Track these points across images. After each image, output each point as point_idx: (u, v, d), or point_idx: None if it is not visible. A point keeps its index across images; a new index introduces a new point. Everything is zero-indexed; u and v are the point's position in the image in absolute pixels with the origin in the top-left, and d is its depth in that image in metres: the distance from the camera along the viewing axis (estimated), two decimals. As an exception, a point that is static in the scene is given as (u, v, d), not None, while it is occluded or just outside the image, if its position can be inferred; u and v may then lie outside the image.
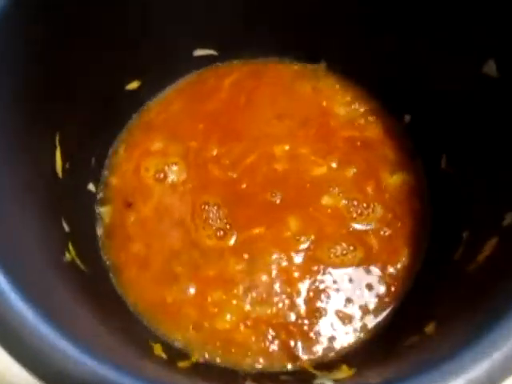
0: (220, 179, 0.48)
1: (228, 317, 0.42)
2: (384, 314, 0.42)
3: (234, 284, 0.43)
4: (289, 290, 0.43)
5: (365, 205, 0.46)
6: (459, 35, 0.38)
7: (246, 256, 0.44)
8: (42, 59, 0.36)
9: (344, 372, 0.36)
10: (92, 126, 0.46)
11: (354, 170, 0.48)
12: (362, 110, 0.52)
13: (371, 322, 0.42)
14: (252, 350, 0.41)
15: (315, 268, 0.44)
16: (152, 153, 0.50)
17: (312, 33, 0.50)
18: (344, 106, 0.52)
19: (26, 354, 0.23)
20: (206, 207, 0.46)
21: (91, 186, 0.48)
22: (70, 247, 0.39)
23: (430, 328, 0.32)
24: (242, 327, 0.42)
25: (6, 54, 0.32)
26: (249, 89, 0.53)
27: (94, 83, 0.44)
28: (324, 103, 0.52)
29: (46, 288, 0.31)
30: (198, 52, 0.52)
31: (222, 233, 0.45)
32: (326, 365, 0.39)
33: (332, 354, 0.40)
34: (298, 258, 0.44)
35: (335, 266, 0.44)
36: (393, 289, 0.43)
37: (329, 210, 0.46)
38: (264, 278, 0.44)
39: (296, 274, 0.44)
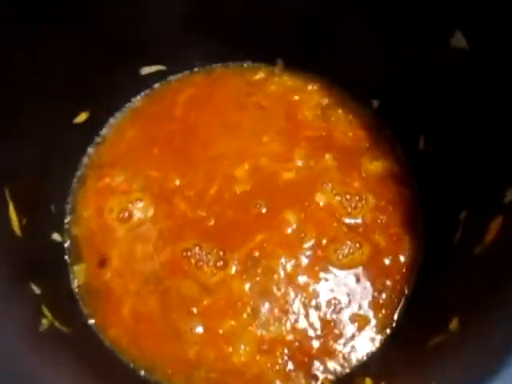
0: (190, 218, 0.44)
1: (242, 348, 0.39)
2: (398, 309, 0.40)
3: (243, 306, 0.40)
4: (300, 300, 0.40)
5: (357, 197, 0.44)
6: (423, 10, 0.36)
7: (251, 271, 0.41)
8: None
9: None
10: (44, 172, 0.42)
11: (330, 162, 0.46)
12: (326, 101, 0.49)
13: (388, 321, 0.39)
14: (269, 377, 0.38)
15: (324, 274, 0.41)
16: (113, 191, 0.46)
17: (264, 34, 0.47)
18: (307, 102, 0.50)
19: None
20: (189, 253, 0.43)
21: (56, 236, 0.43)
22: (45, 311, 0.35)
23: (453, 324, 0.30)
24: (257, 356, 0.39)
25: None
26: (202, 104, 0.49)
27: (39, 123, 0.40)
28: (285, 103, 0.50)
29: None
30: (146, 70, 0.48)
31: (221, 263, 0.42)
32: (347, 379, 0.36)
33: (351, 367, 0.38)
34: (305, 261, 0.42)
35: (344, 268, 0.41)
36: (401, 282, 0.41)
37: (322, 207, 0.44)
38: (274, 290, 0.41)
39: (304, 281, 0.41)
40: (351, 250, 0.42)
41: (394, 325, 0.39)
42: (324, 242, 0.42)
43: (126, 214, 0.45)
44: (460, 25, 0.34)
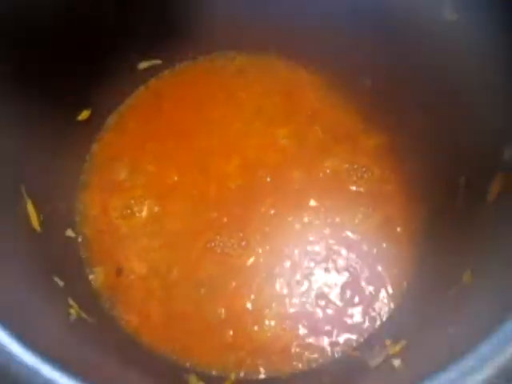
0: (201, 216, 0.45)
1: (267, 323, 0.41)
2: (411, 270, 0.42)
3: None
4: (318, 268, 0.42)
5: (364, 169, 0.46)
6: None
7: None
8: None
9: (391, 348, 0.35)
10: (53, 171, 0.42)
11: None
12: (318, 86, 0.51)
13: (402, 280, 0.42)
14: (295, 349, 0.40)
15: (338, 239, 0.43)
16: (116, 189, 0.47)
17: (257, 26, 0.48)
18: (300, 86, 0.51)
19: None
20: (213, 244, 0.44)
21: (70, 232, 0.44)
22: (72, 302, 0.36)
23: (466, 276, 0.32)
24: (281, 332, 0.40)
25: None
26: (195, 95, 0.50)
27: (44, 122, 0.40)
28: (277, 88, 0.51)
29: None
30: (143, 64, 0.49)
31: (244, 242, 0.43)
32: (368, 343, 0.38)
33: (370, 330, 0.40)
34: (318, 225, 0.44)
35: (358, 232, 0.44)
36: (411, 245, 0.43)
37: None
38: (293, 259, 0.43)
39: (320, 247, 0.43)
40: (363, 216, 0.44)
41: (406, 285, 0.41)
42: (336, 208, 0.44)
43: (129, 212, 0.45)
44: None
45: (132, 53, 0.48)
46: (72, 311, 0.35)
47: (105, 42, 0.43)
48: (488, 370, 0.22)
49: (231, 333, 0.41)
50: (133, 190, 0.46)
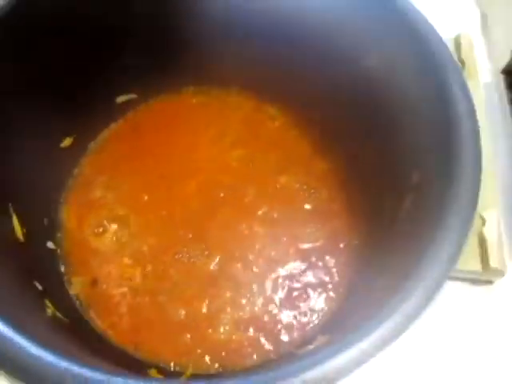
0: (169, 233, 0.51)
1: (222, 329, 0.46)
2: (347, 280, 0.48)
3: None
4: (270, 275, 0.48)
5: (312, 190, 0.53)
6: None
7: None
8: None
9: (317, 341, 0.41)
10: (37, 191, 0.48)
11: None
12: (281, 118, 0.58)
13: (336, 291, 0.48)
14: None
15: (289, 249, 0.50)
16: (93, 207, 0.53)
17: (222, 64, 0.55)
18: (259, 117, 0.58)
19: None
20: (180, 255, 0.50)
21: (50, 244, 0.50)
22: (48, 303, 0.42)
23: (379, 283, 0.38)
24: (234, 336, 0.46)
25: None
26: (166, 125, 0.57)
27: (30, 148, 0.47)
28: (238, 119, 0.58)
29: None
30: (121, 98, 0.56)
31: (207, 252, 0.49)
32: (305, 342, 0.44)
33: (308, 331, 0.46)
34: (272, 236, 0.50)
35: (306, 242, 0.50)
36: (348, 258, 0.50)
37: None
38: (246, 267, 0.49)
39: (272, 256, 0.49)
40: (312, 230, 0.51)
41: (340, 294, 0.48)
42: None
43: (102, 229, 0.51)
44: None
45: (111, 89, 0.55)
46: (48, 310, 0.41)
47: (86, 81, 0.50)
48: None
49: (189, 336, 0.46)
50: (106, 209, 0.52)
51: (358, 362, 0.26)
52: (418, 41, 0.39)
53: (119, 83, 0.54)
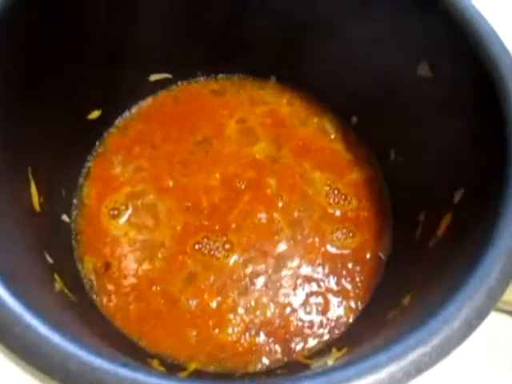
0: (192, 222, 0.49)
1: (230, 330, 0.44)
2: (368, 292, 0.46)
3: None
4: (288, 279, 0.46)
5: (343, 196, 0.51)
6: (397, 38, 0.43)
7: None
8: (13, 98, 0.37)
9: (334, 354, 0.39)
10: (57, 159, 0.47)
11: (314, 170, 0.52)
12: (315, 120, 0.56)
13: (357, 302, 0.46)
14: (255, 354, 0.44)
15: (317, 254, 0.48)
16: (113, 186, 0.51)
17: (258, 52, 0.53)
18: (297, 118, 0.56)
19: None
20: (200, 245, 0.48)
21: (65, 217, 0.48)
22: (57, 278, 0.40)
23: (407, 299, 0.36)
24: (243, 339, 0.44)
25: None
26: (196, 115, 0.55)
27: (57, 115, 0.45)
28: (275, 114, 0.56)
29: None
30: (154, 77, 0.54)
31: (228, 246, 0.47)
32: (318, 352, 0.42)
33: (323, 341, 0.43)
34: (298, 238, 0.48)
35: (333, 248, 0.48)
36: (372, 271, 0.47)
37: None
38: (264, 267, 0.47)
39: (293, 259, 0.47)
40: (343, 236, 0.49)
41: (361, 306, 0.45)
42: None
43: (119, 212, 0.49)
44: (426, 57, 0.41)
45: (147, 65, 0.53)
46: (57, 285, 0.39)
47: (123, 52, 0.48)
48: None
49: (195, 333, 0.44)
50: (126, 190, 0.50)
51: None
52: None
53: (156, 61, 0.52)
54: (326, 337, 0.44)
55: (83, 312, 0.41)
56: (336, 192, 0.51)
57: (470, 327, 0.26)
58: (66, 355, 0.23)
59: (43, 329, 0.24)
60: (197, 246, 0.47)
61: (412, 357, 0.25)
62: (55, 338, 0.24)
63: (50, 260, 0.41)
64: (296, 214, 0.49)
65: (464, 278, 0.28)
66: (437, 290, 0.33)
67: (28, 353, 0.23)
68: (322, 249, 0.48)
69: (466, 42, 0.36)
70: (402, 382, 0.24)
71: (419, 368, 0.24)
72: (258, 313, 0.45)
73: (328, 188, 0.51)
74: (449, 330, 0.26)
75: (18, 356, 0.23)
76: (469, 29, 0.36)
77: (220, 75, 0.58)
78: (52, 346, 0.24)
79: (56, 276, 0.40)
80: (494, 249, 0.28)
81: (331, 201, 0.50)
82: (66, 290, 0.40)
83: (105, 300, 0.46)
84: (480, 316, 0.26)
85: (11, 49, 0.36)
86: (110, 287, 0.47)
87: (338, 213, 0.50)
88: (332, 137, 0.55)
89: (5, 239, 0.34)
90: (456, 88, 0.38)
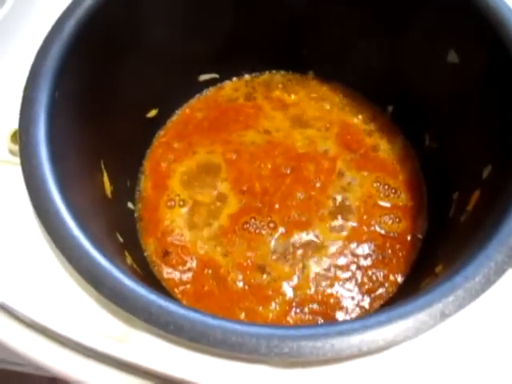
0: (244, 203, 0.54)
1: (273, 306, 0.49)
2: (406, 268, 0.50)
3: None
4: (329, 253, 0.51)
5: (393, 190, 0.55)
6: (428, 33, 0.46)
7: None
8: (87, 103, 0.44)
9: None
10: (122, 153, 0.53)
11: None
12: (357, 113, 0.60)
13: (397, 275, 0.50)
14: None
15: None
16: (171, 176, 0.57)
17: (298, 48, 0.58)
18: (337, 108, 0.60)
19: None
20: (247, 225, 0.53)
21: (130, 205, 0.55)
22: (127, 254, 0.46)
23: (438, 268, 0.39)
24: (288, 315, 0.48)
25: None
26: (248, 107, 0.61)
27: (122, 118, 0.52)
28: (332, 116, 0.60)
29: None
30: (203, 77, 0.60)
31: (272, 224, 0.53)
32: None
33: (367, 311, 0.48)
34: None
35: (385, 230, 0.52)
36: (410, 249, 0.51)
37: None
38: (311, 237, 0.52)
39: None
40: (390, 220, 0.53)
41: (401, 279, 0.49)
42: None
43: (177, 202, 0.55)
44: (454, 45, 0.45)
45: (197, 66, 0.59)
46: (128, 260, 0.45)
47: (180, 59, 0.54)
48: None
49: (243, 314, 0.49)
50: (181, 182, 0.56)
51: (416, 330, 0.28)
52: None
53: (205, 62, 0.58)
54: (364, 311, 0.48)
55: (148, 283, 0.47)
56: (384, 186, 0.55)
57: (488, 282, 0.30)
58: (149, 301, 0.29)
59: (129, 282, 0.30)
60: (245, 226, 0.53)
61: (436, 305, 0.29)
62: (140, 289, 0.30)
63: (121, 239, 0.47)
64: (346, 204, 0.54)
65: (485, 241, 0.32)
66: (464, 255, 0.36)
67: (118, 299, 0.29)
68: (365, 228, 0.52)
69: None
70: (428, 324, 0.28)
71: (444, 313, 0.28)
72: (301, 289, 0.49)
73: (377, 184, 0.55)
74: (469, 283, 0.30)
75: (111, 302, 0.29)
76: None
77: (257, 73, 0.62)
78: (138, 295, 0.29)
79: (126, 253, 0.46)
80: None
81: (383, 194, 0.54)
82: (135, 266, 0.47)
83: (165, 282, 0.51)
84: (498, 272, 0.30)
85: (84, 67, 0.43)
86: (169, 270, 0.52)
87: (388, 204, 0.54)
88: (372, 127, 0.58)
89: (93, 217, 0.40)
90: (482, 71, 0.41)
